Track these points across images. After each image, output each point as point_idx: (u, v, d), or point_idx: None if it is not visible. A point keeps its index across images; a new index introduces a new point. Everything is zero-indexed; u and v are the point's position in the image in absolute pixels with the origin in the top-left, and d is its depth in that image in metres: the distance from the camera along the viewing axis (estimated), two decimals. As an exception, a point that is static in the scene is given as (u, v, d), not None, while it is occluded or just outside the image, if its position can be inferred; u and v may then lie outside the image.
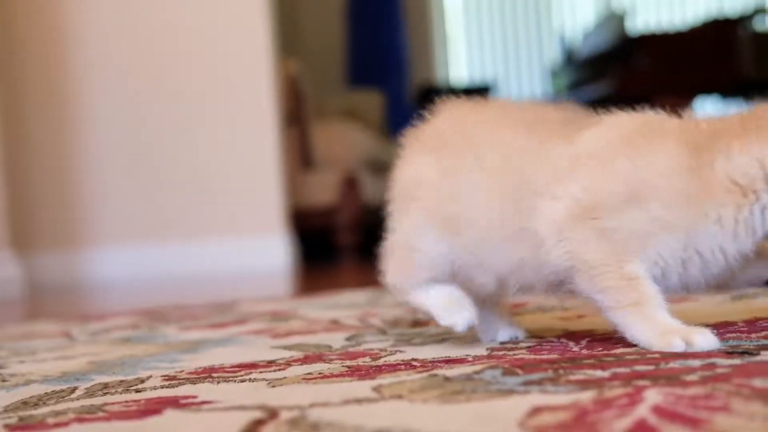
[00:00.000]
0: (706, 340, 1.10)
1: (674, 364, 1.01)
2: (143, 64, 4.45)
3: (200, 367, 1.29)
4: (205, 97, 4.38)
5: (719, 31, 6.69)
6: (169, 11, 4.49)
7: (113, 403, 1.05)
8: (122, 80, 4.48)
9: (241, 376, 1.19)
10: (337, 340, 1.47)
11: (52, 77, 4.48)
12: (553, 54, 8.75)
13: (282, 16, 5.78)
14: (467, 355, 1.19)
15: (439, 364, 1.14)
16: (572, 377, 0.98)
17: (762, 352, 1.05)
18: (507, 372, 1.04)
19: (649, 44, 6.70)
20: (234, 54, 4.46)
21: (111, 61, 4.47)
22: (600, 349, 1.16)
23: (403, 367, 1.14)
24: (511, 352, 1.19)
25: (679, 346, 1.09)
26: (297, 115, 5.07)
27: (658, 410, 0.80)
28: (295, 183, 4.91)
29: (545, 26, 9.01)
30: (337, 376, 1.12)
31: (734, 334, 1.19)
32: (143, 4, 4.49)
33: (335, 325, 1.69)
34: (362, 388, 1.02)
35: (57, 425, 0.96)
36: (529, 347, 1.22)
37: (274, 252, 4.21)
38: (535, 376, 1.01)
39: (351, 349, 1.35)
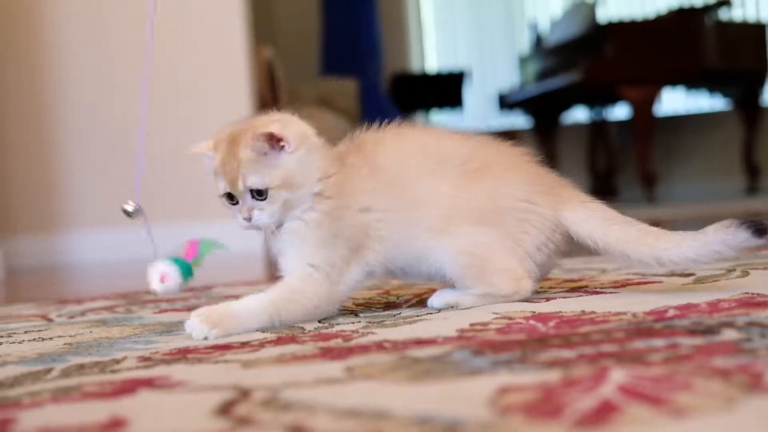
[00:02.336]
0: None
1: (639, 344, 1.03)
2: (119, 51, 4.43)
3: (175, 349, 1.30)
4: (180, 82, 4.37)
5: (685, 21, 6.71)
6: (144, 14, 4.48)
7: (88, 384, 1.06)
8: (98, 66, 4.46)
9: (216, 357, 1.20)
10: (310, 322, 1.49)
11: (29, 64, 4.46)
12: (524, 42, 8.76)
13: (257, 4, 5.77)
14: (437, 337, 1.20)
15: (409, 346, 1.15)
16: (539, 357, 1.00)
17: (723, 330, 1.07)
18: (476, 352, 1.06)
19: (617, 33, 6.70)
20: (209, 40, 4.45)
21: (87, 47, 4.45)
22: (567, 329, 1.18)
23: (374, 348, 1.16)
24: (480, 333, 1.21)
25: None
26: (271, 101, 5.07)
27: (622, 389, 0.82)
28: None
29: (518, 14, 9.01)
30: (309, 357, 1.13)
31: (697, 314, 1.21)
32: (121, 7, 4.47)
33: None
34: (334, 368, 1.04)
35: (32, 405, 0.96)
36: (498, 328, 1.24)
37: (248, 236, 4.20)
38: (504, 356, 1.02)
39: (324, 331, 1.36)
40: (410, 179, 1.51)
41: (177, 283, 1.51)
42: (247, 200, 1.46)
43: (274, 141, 1.44)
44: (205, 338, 1.38)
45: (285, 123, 1.47)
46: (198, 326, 1.40)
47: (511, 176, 1.54)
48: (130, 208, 1.60)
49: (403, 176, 1.51)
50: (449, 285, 1.55)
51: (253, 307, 1.44)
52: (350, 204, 1.48)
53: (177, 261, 1.53)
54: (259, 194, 1.45)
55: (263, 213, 1.46)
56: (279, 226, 1.49)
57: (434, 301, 1.55)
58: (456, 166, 1.52)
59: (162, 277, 1.50)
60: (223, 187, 1.47)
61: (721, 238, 1.43)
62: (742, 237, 1.40)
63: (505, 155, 1.59)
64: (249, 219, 1.46)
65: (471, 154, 1.54)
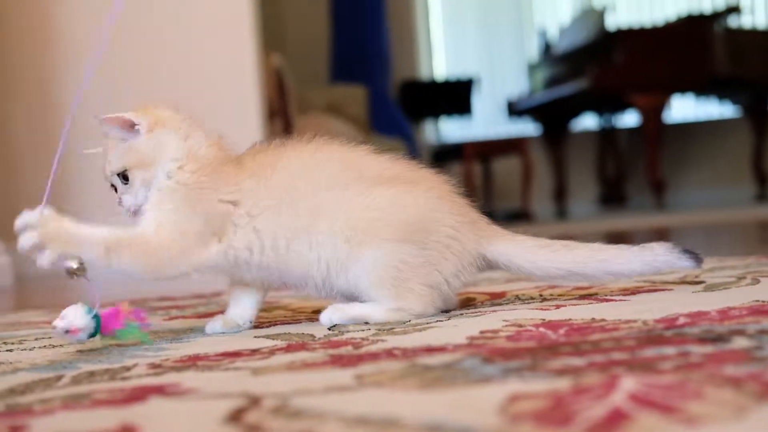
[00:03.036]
0: None
1: (649, 352, 1.02)
2: (128, 58, 4.44)
3: (185, 356, 1.30)
4: (190, 89, 4.38)
5: (694, 28, 6.70)
6: (155, 5, 4.49)
7: (99, 391, 1.06)
8: (107, 74, 4.47)
9: (226, 364, 1.20)
10: (319, 329, 1.49)
11: (37, 71, 4.48)
12: (533, 49, 8.76)
13: (267, 11, 5.78)
14: (447, 344, 1.20)
15: (419, 353, 1.15)
16: (550, 365, 1.00)
17: (734, 338, 1.07)
18: (486, 360, 1.06)
19: (626, 40, 6.70)
20: (219, 47, 4.46)
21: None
22: (577, 337, 1.18)
23: (384, 355, 1.16)
24: (490, 341, 1.21)
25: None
26: (281, 108, 5.07)
27: (633, 398, 0.82)
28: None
29: (527, 21, 9.02)
30: (319, 364, 1.13)
31: (708, 322, 1.21)
32: (126, 5, 4.48)
33: (318, 315, 1.70)
34: (344, 376, 1.04)
35: (44, 412, 0.97)
36: (508, 336, 1.24)
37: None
38: (514, 364, 1.02)
39: (333, 339, 1.36)
40: (314, 189, 1.53)
41: (79, 338, 1.42)
42: (119, 186, 1.55)
43: (128, 126, 1.54)
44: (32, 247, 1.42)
45: (144, 110, 1.57)
46: (28, 238, 1.43)
47: (437, 200, 1.56)
48: (74, 265, 1.48)
49: (303, 185, 1.53)
50: (341, 300, 1.57)
51: (94, 234, 1.47)
52: (214, 191, 1.52)
53: (96, 316, 1.44)
54: (124, 179, 1.54)
55: (127, 195, 1.53)
56: None
57: (332, 316, 1.53)
58: (376, 181, 1.54)
59: (72, 330, 1.41)
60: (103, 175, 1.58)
61: (666, 259, 1.55)
62: (684, 264, 1.54)
63: (430, 180, 1.61)
64: (120, 203, 1.54)
65: (397, 174, 1.57)
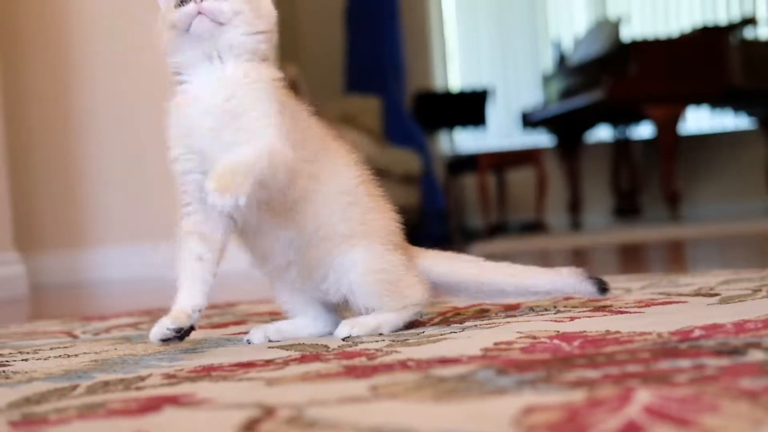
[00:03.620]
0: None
1: (664, 365, 1.02)
2: (144, 69, 4.46)
3: (199, 366, 1.31)
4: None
5: (709, 40, 6.69)
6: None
7: (114, 401, 1.06)
8: (124, 84, 4.49)
9: (240, 374, 1.20)
10: (333, 340, 1.49)
11: (56, 81, 4.50)
12: (547, 60, 8.76)
13: (281, 22, 5.80)
14: (461, 356, 1.20)
15: (433, 364, 1.15)
16: (564, 377, 1.00)
17: (750, 351, 1.07)
18: (500, 372, 1.06)
19: (641, 51, 6.69)
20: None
21: (113, 67, 4.49)
22: (592, 349, 1.17)
23: (398, 367, 1.16)
24: (504, 353, 1.21)
25: None
26: (295, 118, 5.09)
27: (648, 410, 0.82)
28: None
29: (542, 33, 9.02)
30: (333, 375, 1.13)
31: (723, 335, 1.21)
32: (144, 9, 4.51)
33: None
34: (358, 387, 1.04)
35: (59, 422, 0.97)
36: (522, 348, 1.24)
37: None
38: (528, 375, 1.02)
39: (347, 349, 1.36)
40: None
41: None
42: None
43: None
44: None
45: None
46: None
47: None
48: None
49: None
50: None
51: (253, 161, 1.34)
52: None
53: None
54: None
55: (222, 1, 1.38)
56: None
57: (354, 330, 1.52)
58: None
59: None
60: None
61: (571, 283, 1.60)
62: (588, 289, 1.60)
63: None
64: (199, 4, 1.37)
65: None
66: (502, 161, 7.97)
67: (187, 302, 1.41)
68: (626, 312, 1.58)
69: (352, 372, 1.14)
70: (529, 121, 8.24)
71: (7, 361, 1.54)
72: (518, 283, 1.62)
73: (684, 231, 5.61)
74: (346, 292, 1.52)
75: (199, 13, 1.37)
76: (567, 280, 1.60)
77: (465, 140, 9.15)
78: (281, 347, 1.45)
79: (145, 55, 4.48)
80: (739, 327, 1.27)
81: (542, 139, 8.73)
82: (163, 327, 1.40)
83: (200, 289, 1.43)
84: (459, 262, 1.64)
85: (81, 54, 4.51)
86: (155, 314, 2.24)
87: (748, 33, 7.03)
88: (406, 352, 1.28)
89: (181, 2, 1.37)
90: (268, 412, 0.93)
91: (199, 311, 1.42)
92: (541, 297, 1.68)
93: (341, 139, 1.59)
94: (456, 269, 1.62)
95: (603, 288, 1.60)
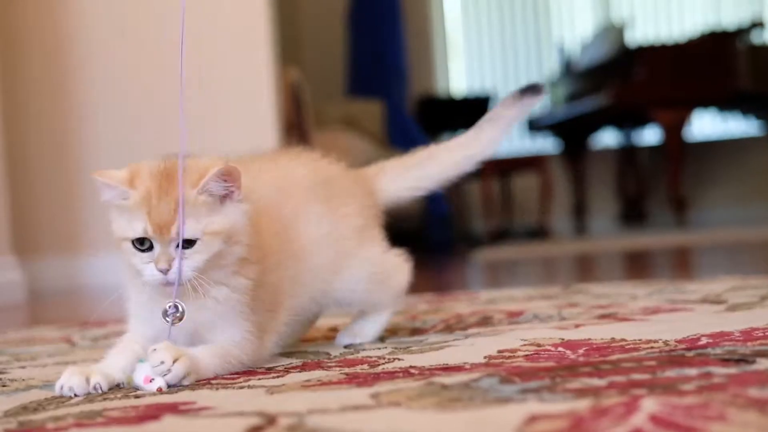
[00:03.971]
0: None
1: (671, 373, 1.01)
2: (145, 74, 4.46)
3: (200, 374, 1.30)
4: (207, 103, 4.39)
5: (716, 44, 6.69)
6: (172, 21, 4.51)
7: (112, 409, 1.06)
8: (124, 90, 4.49)
9: (240, 382, 1.19)
10: (335, 348, 1.48)
11: (54, 85, 4.50)
12: (552, 65, 8.77)
13: (284, 26, 5.81)
14: (465, 363, 1.20)
15: (436, 372, 1.14)
16: (569, 385, 0.99)
17: (758, 360, 1.06)
18: (504, 380, 1.05)
19: (646, 56, 6.69)
20: (236, 62, 4.48)
21: (113, 72, 4.49)
22: (597, 357, 1.16)
23: (400, 374, 1.15)
24: (508, 360, 1.20)
25: None
26: (297, 122, 5.09)
27: (654, 419, 0.81)
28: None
29: (546, 37, 9.03)
30: (335, 383, 1.13)
31: (730, 343, 1.20)
32: (146, 12, 4.51)
33: (334, 333, 1.69)
34: (360, 395, 1.03)
35: (56, 430, 0.96)
36: (526, 355, 1.23)
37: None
38: (532, 384, 1.01)
39: (349, 357, 1.36)
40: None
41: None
42: (170, 248, 1.22)
43: (231, 182, 1.25)
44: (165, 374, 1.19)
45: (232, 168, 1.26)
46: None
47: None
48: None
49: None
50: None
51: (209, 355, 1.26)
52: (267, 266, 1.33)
53: None
54: (187, 243, 1.22)
55: (191, 261, 1.23)
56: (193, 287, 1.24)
57: (357, 339, 1.54)
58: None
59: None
60: (138, 229, 1.23)
61: (514, 113, 1.60)
62: (526, 101, 1.59)
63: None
64: (166, 271, 1.22)
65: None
66: (506, 167, 7.97)
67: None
68: (632, 319, 1.58)
69: (353, 380, 1.14)
70: (534, 126, 8.24)
71: (5, 369, 1.53)
72: (461, 155, 1.66)
73: (690, 237, 5.60)
74: (341, 302, 1.51)
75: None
76: (509, 112, 1.61)
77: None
78: (282, 355, 1.44)
79: (147, 61, 4.49)
80: (747, 335, 1.26)
81: (547, 143, 8.73)
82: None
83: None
84: (409, 171, 1.66)
85: (80, 59, 4.51)
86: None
87: (756, 37, 7.03)
88: (408, 360, 1.27)
89: (141, 245, 1.25)
90: (269, 420, 0.92)
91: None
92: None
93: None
94: (408, 179, 1.65)
95: (537, 88, 1.60)
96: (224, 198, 1.25)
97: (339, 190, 1.49)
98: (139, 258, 1.24)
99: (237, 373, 1.27)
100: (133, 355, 1.27)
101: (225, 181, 1.23)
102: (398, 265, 1.54)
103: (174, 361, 1.19)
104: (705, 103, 6.74)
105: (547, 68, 8.85)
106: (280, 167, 1.49)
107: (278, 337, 1.36)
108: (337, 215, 1.46)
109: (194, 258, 1.22)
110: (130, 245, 1.24)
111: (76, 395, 1.18)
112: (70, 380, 1.20)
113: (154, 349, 1.20)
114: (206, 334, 1.28)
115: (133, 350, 1.28)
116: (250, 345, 1.28)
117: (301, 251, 1.39)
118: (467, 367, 1.17)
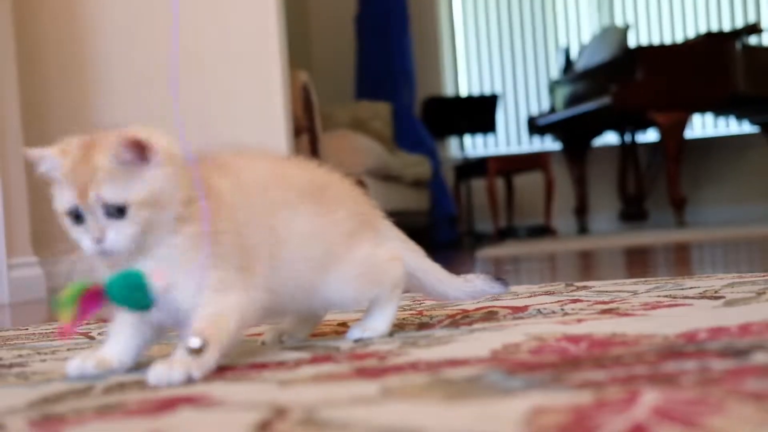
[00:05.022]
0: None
1: (670, 367, 1.03)
2: (159, 75, 4.48)
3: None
4: (217, 106, 4.41)
5: (714, 46, 6.68)
6: (183, 21, 4.53)
7: (130, 401, 1.08)
8: (139, 92, 4.51)
9: (253, 376, 1.21)
10: (345, 342, 1.50)
11: (73, 89, 4.53)
12: (555, 67, 8.76)
13: (293, 29, 5.82)
14: (470, 357, 1.22)
15: (443, 366, 1.16)
16: (572, 379, 1.01)
17: (754, 353, 1.08)
18: (509, 373, 1.07)
19: (647, 58, 6.69)
20: (246, 65, 4.50)
21: (128, 74, 4.52)
22: (599, 351, 1.19)
23: (408, 368, 1.17)
24: (513, 354, 1.22)
25: None
26: (307, 124, 5.10)
27: (654, 412, 0.83)
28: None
29: (549, 39, 9.02)
30: (345, 376, 1.15)
31: (728, 337, 1.22)
32: (159, 16, 4.53)
33: (344, 327, 1.71)
34: (369, 388, 1.05)
35: (77, 421, 0.98)
36: (530, 350, 1.25)
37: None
38: (537, 377, 1.03)
39: (358, 351, 1.37)
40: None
41: None
42: (99, 217, 1.23)
43: (141, 150, 1.23)
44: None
45: (153, 133, 1.26)
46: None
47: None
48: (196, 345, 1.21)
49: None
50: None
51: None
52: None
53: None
54: (117, 212, 1.22)
55: (121, 234, 1.23)
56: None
57: (366, 333, 1.56)
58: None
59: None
60: (68, 199, 1.25)
61: (482, 287, 1.68)
62: (497, 288, 1.69)
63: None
64: (100, 240, 1.23)
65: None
66: (510, 165, 7.98)
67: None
68: (632, 315, 1.59)
69: (363, 373, 1.16)
70: (536, 126, 8.24)
71: (26, 362, 1.56)
72: (441, 290, 1.68)
73: (689, 235, 5.61)
74: (332, 302, 1.52)
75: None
76: (480, 285, 1.68)
77: (474, 145, 9.16)
78: (293, 349, 1.46)
79: (160, 63, 4.50)
80: (744, 329, 1.28)
81: (549, 144, 8.74)
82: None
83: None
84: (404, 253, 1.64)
85: (99, 68, 4.54)
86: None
87: (753, 40, 7.02)
88: (416, 354, 1.29)
89: (76, 219, 1.26)
90: (281, 413, 0.94)
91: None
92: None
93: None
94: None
95: (506, 284, 1.70)
96: (142, 166, 1.24)
97: (333, 197, 1.51)
98: (76, 231, 1.26)
99: (249, 366, 1.30)
100: (125, 339, 1.34)
101: (132, 149, 1.22)
102: (388, 261, 1.57)
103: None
104: (702, 106, 6.74)
105: (551, 70, 8.85)
106: (280, 163, 1.53)
107: (259, 303, 1.33)
108: (327, 218, 1.47)
109: (127, 230, 1.22)
110: (68, 220, 1.26)
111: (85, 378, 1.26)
112: (77, 367, 1.30)
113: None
114: (182, 303, 1.27)
115: (125, 334, 1.35)
116: (235, 298, 1.28)
117: (284, 235, 1.40)
118: (473, 361, 1.19)
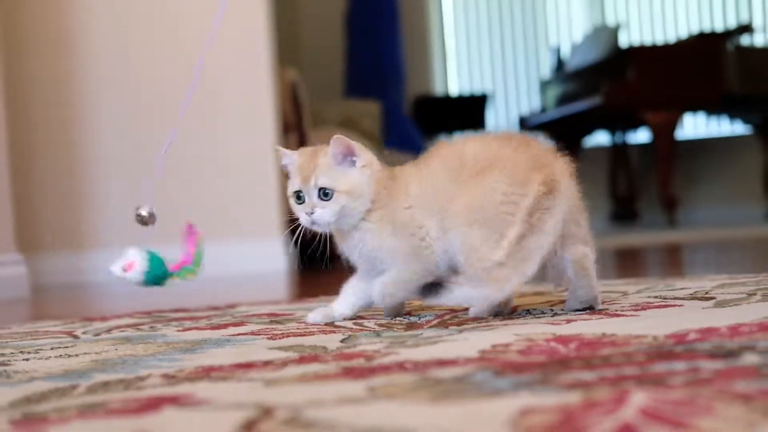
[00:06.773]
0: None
1: (659, 367, 1.03)
2: (145, 73, 4.47)
3: (199, 367, 1.31)
4: (206, 103, 4.40)
5: (706, 46, 6.69)
6: (170, 19, 4.53)
7: (114, 401, 1.07)
8: (124, 87, 4.50)
9: (239, 375, 1.21)
10: (332, 341, 1.50)
11: (57, 83, 4.51)
12: (546, 66, 8.77)
13: (282, 26, 5.81)
14: (458, 357, 1.21)
15: (431, 366, 1.16)
16: (561, 379, 1.01)
17: (744, 354, 1.08)
18: (497, 374, 1.07)
19: (638, 57, 6.69)
20: (234, 62, 4.49)
21: (113, 70, 4.50)
22: (588, 352, 1.18)
23: (396, 368, 1.16)
24: (501, 355, 1.22)
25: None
26: (295, 122, 5.10)
27: (643, 412, 0.82)
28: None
29: (540, 38, 9.03)
30: (331, 376, 1.14)
31: (718, 338, 1.22)
32: (144, 12, 4.52)
33: (331, 327, 1.71)
34: (356, 388, 1.04)
35: (59, 421, 0.98)
36: (519, 350, 1.25)
37: (273, 256, 4.23)
38: (525, 377, 1.03)
39: (346, 351, 1.37)
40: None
41: (140, 273, 1.77)
42: (313, 198, 1.71)
43: (350, 152, 1.72)
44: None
45: (360, 146, 1.75)
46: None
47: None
48: (144, 212, 1.90)
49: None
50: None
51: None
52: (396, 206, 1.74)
53: (152, 256, 1.80)
54: (324, 195, 1.71)
55: (325, 211, 1.71)
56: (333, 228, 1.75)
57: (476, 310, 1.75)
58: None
59: (128, 264, 1.77)
60: (296, 184, 1.74)
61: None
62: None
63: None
64: (311, 214, 1.71)
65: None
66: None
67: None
68: (622, 315, 1.59)
69: (350, 373, 1.15)
70: (526, 125, 8.24)
71: (9, 361, 1.54)
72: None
73: (680, 236, 5.62)
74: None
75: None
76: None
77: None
78: (280, 348, 1.46)
79: (147, 60, 4.50)
80: (734, 330, 1.28)
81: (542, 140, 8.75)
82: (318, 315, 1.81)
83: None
84: None
85: (83, 61, 4.52)
86: (155, 315, 2.25)
87: (744, 40, 7.04)
88: (403, 354, 1.29)
89: (298, 199, 1.76)
90: (267, 412, 0.94)
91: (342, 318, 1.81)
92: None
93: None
94: None
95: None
96: (350, 167, 1.73)
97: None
98: (297, 207, 1.75)
99: (235, 365, 1.29)
100: (347, 297, 1.82)
101: (344, 150, 1.72)
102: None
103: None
104: (693, 106, 6.74)
105: (542, 69, 8.86)
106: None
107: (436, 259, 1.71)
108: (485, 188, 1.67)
109: (330, 207, 1.71)
110: (293, 200, 1.76)
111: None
112: (315, 317, 1.80)
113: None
114: (378, 264, 1.75)
115: (348, 293, 1.82)
116: (413, 259, 1.71)
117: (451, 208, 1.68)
118: (461, 361, 1.18)
